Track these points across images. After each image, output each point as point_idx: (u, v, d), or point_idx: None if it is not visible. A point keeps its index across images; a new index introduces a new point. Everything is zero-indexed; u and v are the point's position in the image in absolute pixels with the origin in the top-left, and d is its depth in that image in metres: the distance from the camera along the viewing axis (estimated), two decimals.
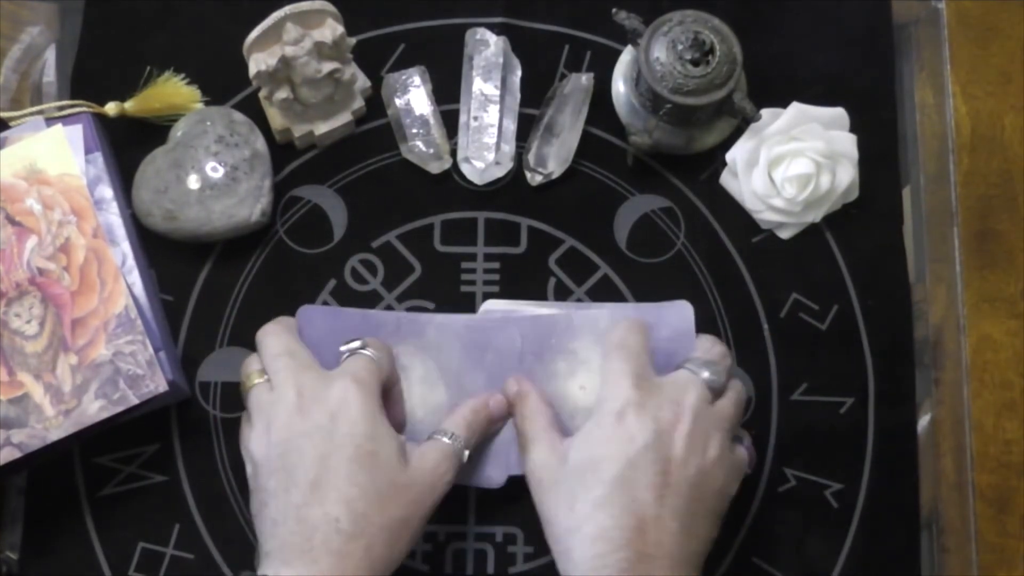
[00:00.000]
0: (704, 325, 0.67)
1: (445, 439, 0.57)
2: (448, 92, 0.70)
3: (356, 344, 0.58)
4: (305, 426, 0.54)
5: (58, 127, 0.64)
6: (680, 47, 0.64)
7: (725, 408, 0.57)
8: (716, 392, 0.57)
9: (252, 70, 0.64)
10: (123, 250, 0.64)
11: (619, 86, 0.70)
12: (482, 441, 0.61)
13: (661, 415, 0.54)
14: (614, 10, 0.66)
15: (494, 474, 0.61)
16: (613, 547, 0.51)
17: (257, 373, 0.58)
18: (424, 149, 0.68)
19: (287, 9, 0.63)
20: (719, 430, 0.55)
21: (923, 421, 0.66)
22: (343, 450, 0.53)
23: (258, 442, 0.55)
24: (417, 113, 0.69)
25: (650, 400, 0.54)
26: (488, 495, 0.63)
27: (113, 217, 0.64)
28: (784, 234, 0.69)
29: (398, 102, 0.69)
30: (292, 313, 0.66)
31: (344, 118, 0.69)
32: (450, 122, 0.70)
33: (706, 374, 0.56)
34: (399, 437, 0.55)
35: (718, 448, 0.55)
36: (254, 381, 0.57)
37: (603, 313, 0.62)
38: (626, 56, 0.70)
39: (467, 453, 0.58)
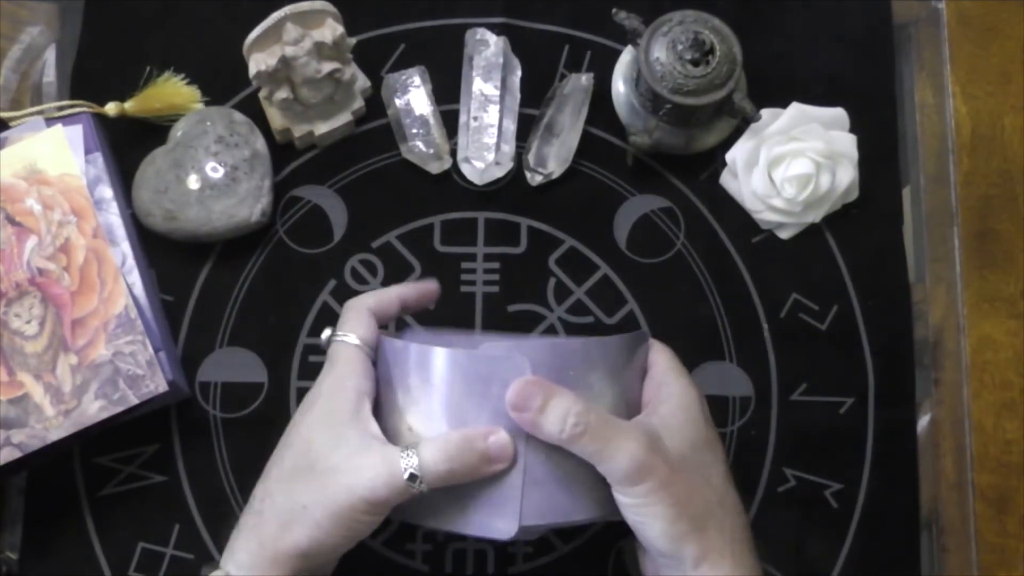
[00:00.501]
0: (704, 325, 0.67)
1: (402, 453, 0.49)
2: (448, 92, 0.70)
3: (327, 332, 0.56)
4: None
5: (58, 127, 0.64)
6: (680, 47, 0.64)
7: None
8: None
9: (252, 70, 0.64)
10: (123, 250, 0.64)
11: (619, 86, 0.70)
12: (488, 486, 0.51)
13: None
14: (614, 10, 0.66)
15: (502, 525, 0.50)
16: (742, 512, 0.52)
17: None
18: (424, 149, 0.68)
19: (287, 9, 0.63)
20: None
21: (923, 421, 0.66)
22: (284, 438, 0.54)
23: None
24: (417, 113, 0.69)
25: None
26: None
27: (113, 217, 0.64)
28: (784, 234, 0.69)
29: (398, 102, 0.69)
30: (291, 314, 0.67)
31: (344, 118, 0.69)
32: (450, 122, 0.70)
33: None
34: (354, 429, 0.51)
35: None
36: None
37: (615, 340, 0.53)
38: (626, 56, 0.70)
39: (423, 486, 0.49)
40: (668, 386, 0.53)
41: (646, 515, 0.49)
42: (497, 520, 0.51)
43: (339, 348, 0.54)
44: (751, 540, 0.52)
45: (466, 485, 0.50)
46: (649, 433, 0.50)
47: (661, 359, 0.55)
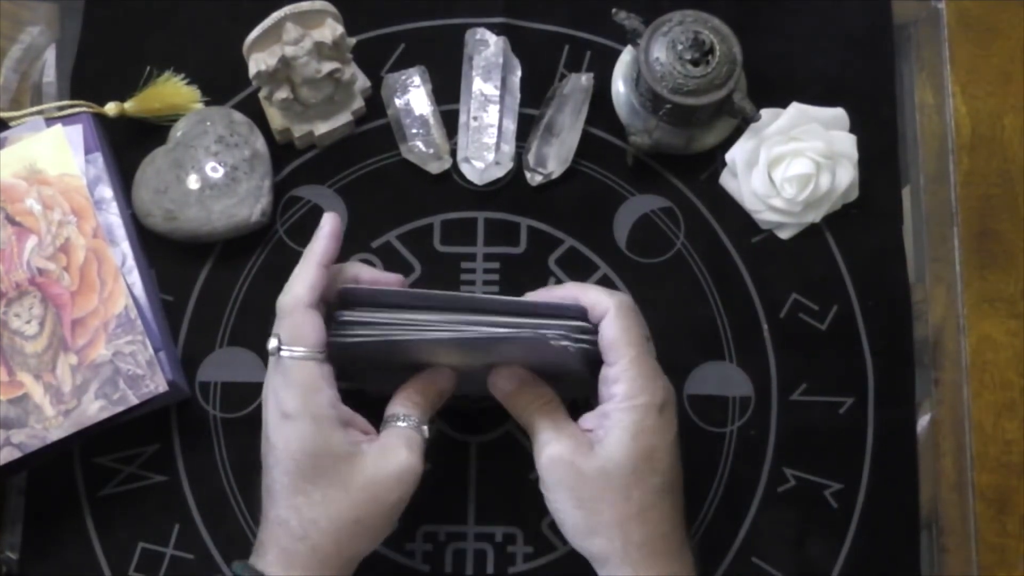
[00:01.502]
0: (704, 325, 0.67)
1: (400, 423, 0.54)
2: (448, 92, 0.70)
3: (273, 345, 0.53)
4: (262, 432, 0.54)
5: (58, 127, 0.64)
6: (680, 47, 0.64)
7: None
8: None
9: (252, 70, 0.64)
10: (123, 250, 0.64)
11: (619, 86, 0.70)
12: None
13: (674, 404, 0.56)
14: (614, 10, 0.66)
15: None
16: (674, 527, 0.53)
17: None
18: (424, 149, 0.68)
19: (287, 9, 0.63)
20: None
21: (923, 421, 0.66)
22: (283, 464, 0.52)
23: None
24: (417, 113, 0.69)
25: (671, 392, 0.55)
26: (488, 495, 0.63)
27: (113, 217, 0.64)
28: (784, 234, 0.69)
29: (398, 102, 0.69)
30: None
31: (344, 118, 0.69)
32: (450, 122, 0.70)
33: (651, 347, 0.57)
34: (350, 439, 0.53)
35: None
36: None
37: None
38: (626, 56, 0.70)
39: (426, 429, 0.55)
40: (620, 400, 0.54)
41: (555, 508, 0.54)
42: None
43: (292, 365, 0.53)
44: (678, 549, 0.53)
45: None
46: (576, 446, 0.53)
47: (623, 356, 0.54)
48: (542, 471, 0.54)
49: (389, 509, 0.53)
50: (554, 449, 0.53)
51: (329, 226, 0.57)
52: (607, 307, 0.54)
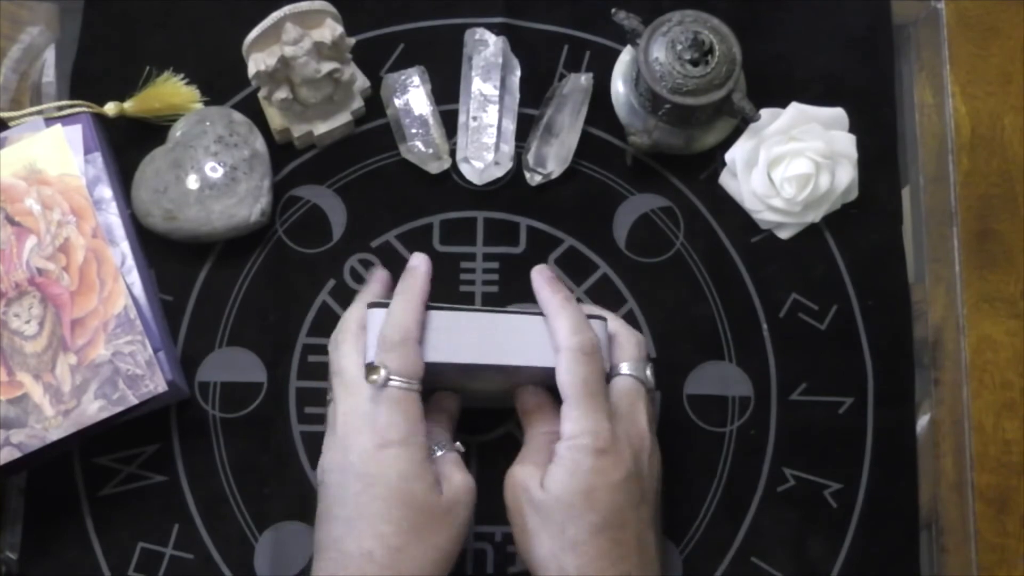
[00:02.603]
0: (703, 325, 0.67)
1: (438, 452, 0.56)
2: (447, 92, 0.70)
3: (382, 375, 0.53)
4: (342, 460, 0.54)
5: (58, 127, 0.64)
6: (679, 47, 0.64)
7: (654, 406, 0.60)
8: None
9: (251, 70, 0.64)
10: (123, 250, 0.64)
11: (618, 86, 0.70)
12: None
13: (632, 441, 0.55)
14: (613, 10, 0.66)
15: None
16: (612, 562, 0.53)
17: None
18: (423, 149, 0.68)
19: (287, 9, 0.63)
20: (655, 430, 0.58)
21: (923, 421, 0.66)
22: (375, 489, 0.52)
23: (321, 457, 0.56)
24: (416, 113, 0.69)
25: (619, 426, 0.55)
26: (488, 495, 0.63)
27: (112, 217, 0.64)
28: (783, 234, 0.69)
29: (397, 102, 0.69)
30: (291, 314, 0.67)
31: (343, 118, 0.69)
32: (449, 122, 0.70)
33: (648, 377, 0.57)
34: (433, 468, 0.54)
35: (657, 448, 0.57)
36: (328, 395, 0.58)
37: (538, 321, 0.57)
38: (625, 56, 0.70)
39: (459, 444, 0.58)
40: (565, 438, 0.54)
41: (511, 527, 0.56)
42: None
43: (401, 397, 0.53)
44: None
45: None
46: (533, 474, 0.55)
47: (568, 396, 0.54)
48: (505, 495, 0.56)
49: (463, 531, 0.55)
50: (515, 470, 0.56)
51: (426, 265, 0.58)
52: (561, 346, 0.55)
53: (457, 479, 0.55)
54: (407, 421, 0.53)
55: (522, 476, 0.55)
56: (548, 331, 0.56)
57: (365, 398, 0.53)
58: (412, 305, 0.55)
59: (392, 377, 0.53)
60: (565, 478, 0.53)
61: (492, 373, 0.57)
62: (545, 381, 0.57)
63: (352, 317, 0.57)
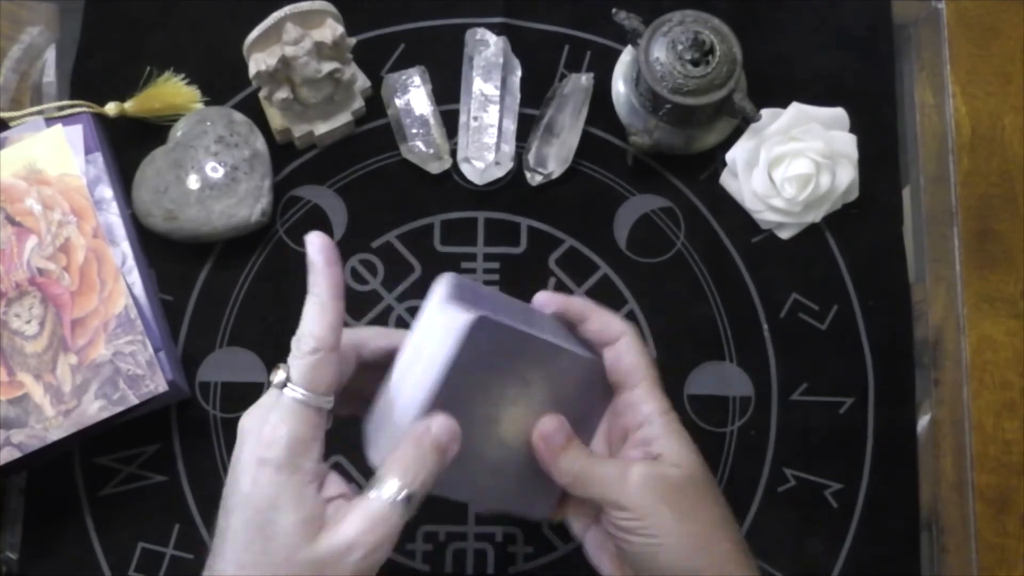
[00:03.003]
0: (704, 325, 0.67)
1: (372, 493, 0.45)
2: (448, 92, 0.70)
3: (279, 377, 0.46)
4: (231, 468, 0.47)
5: (58, 127, 0.64)
6: (680, 47, 0.64)
7: None
8: None
9: (252, 70, 0.64)
10: (123, 250, 0.64)
11: (619, 86, 0.70)
12: (523, 470, 0.51)
13: None
14: (614, 10, 0.66)
15: (542, 503, 0.53)
16: (739, 528, 0.52)
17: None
18: (424, 149, 0.68)
19: (287, 9, 0.63)
20: None
21: (923, 421, 0.66)
22: (240, 511, 0.46)
23: None
24: (417, 113, 0.69)
25: None
26: None
27: (113, 217, 0.64)
28: (784, 234, 0.69)
29: (398, 102, 0.69)
30: (291, 314, 0.66)
31: (344, 118, 0.69)
32: (450, 122, 0.70)
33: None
34: (315, 502, 0.45)
35: None
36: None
37: (568, 353, 0.52)
38: (626, 56, 0.70)
39: (413, 499, 0.46)
40: (658, 415, 0.52)
41: (654, 534, 0.49)
42: (538, 497, 0.52)
43: (292, 408, 0.46)
44: (748, 550, 0.53)
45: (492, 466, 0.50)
46: (655, 464, 0.50)
47: (640, 379, 0.53)
48: (636, 497, 0.49)
49: None
50: (643, 469, 0.50)
51: (323, 253, 0.47)
52: (621, 331, 0.53)
53: (348, 531, 0.44)
54: (291, 439, 0.45)
55: (652, 469, 0.50)
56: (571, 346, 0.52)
57: (264, 403, 0.47)
58: (322, 305, 0.46)
59: (290, 384, 0.46)
60: (689, 446, 0.52)
61: (518, 387, 0.50)
62: (572, 394, 0.52)
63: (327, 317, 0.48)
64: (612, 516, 0.50)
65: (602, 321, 0.53)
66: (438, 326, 0.47)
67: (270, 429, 0.45)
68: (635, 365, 0.52)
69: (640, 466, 0.50)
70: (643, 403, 0.52)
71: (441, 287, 0.48)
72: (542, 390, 0.51)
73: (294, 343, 0.47)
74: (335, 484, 0.47)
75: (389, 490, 0.45)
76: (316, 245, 0.47)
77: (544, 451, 0.51)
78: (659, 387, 0.53)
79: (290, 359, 0.46)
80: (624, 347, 0.53)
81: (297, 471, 0.45)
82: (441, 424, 0.47)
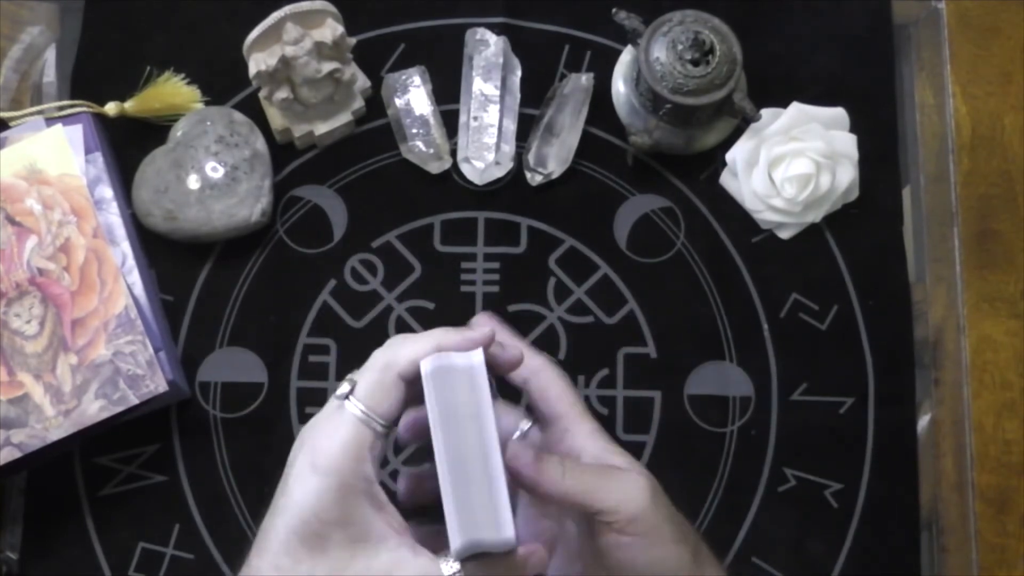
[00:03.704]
0: (704, 325, 0.67)
1: (443, 566, 0.45)
2: (448, 92, 0.70)
3: (345, 389, 0.47)
4: (285, 472, 0.47)
5: (58, 127, 0.64)
6: (680, 47, 0.64)
7: None
8: None
9: (252, 70, 0.64)
10: (123, 250, 0.64)
11: (619, 86, 0.70)
12: None
13: None
14: (614, 10, 0.66)
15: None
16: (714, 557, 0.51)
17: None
18: (424, 149, 0.68)
19: (287, 9, 0.63)
20: None
21: (923, 421, 0.66)
22: (290, 518, 0.45)
23: None
24: (417, 113, 0.69)
25: None
26: None
27: (113, 217, 0.64)
28: (784, 234, 0.69)
29: (398, 102, 0.69)
30: (292, 314, 0.67)
31: (344, 118, 0.69)
32: (450, 122, 0.70)
33: None
34: (371, 522, 0.45)
35: None
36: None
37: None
38: (626, 56, 0.70)
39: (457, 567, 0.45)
40: (606, 446, 0.51)
41: (654, 553, 0.48)
42: None
43: (348, 421, 0.46)
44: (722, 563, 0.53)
45: None
46: (657, 492, 0.49)
47: (568, 407, 0.51)
48: (634, 502, 0.48)
49: None
50: (633, 474, 0.49)
51: (482, 338, 0.48)
52: (536, 368, 0.51)
53: (418, 568, 0.44)
54: (345, 452, 0.45)
55: (632, 472, 0.49)
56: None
57: (325, 414, 0.47)
58: (425, 343, 0.47)
59: (352, 397, 0.46)
60: (633, 459, 0.51)
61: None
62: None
63: (414, 345, 0.47)
64: (604, 519, 0.48)
65: (508, 357, 0.50)
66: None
67: (325, 438, 0.46)
68: (561, 397, 0.51)
69: (627, 472, 0.49)
70: (585, 434, 0.51)
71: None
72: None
73: (374, 353, 0.47)
74: (386, 509, 0.46)
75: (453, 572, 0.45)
76: (485, 321, 0.51)
77: (522, 468, 0.48)
78: (583, 407, 0.51)
79: (359, 372, 0.47)
80: (549, 379, 0.51)
81: (345, 485, 0.45)
82: (539, 559, 0.47)
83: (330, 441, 0.46)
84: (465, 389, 0.46)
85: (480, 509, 0.45)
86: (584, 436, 0.51)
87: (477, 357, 0.47)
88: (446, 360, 0.46)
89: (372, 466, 0.46)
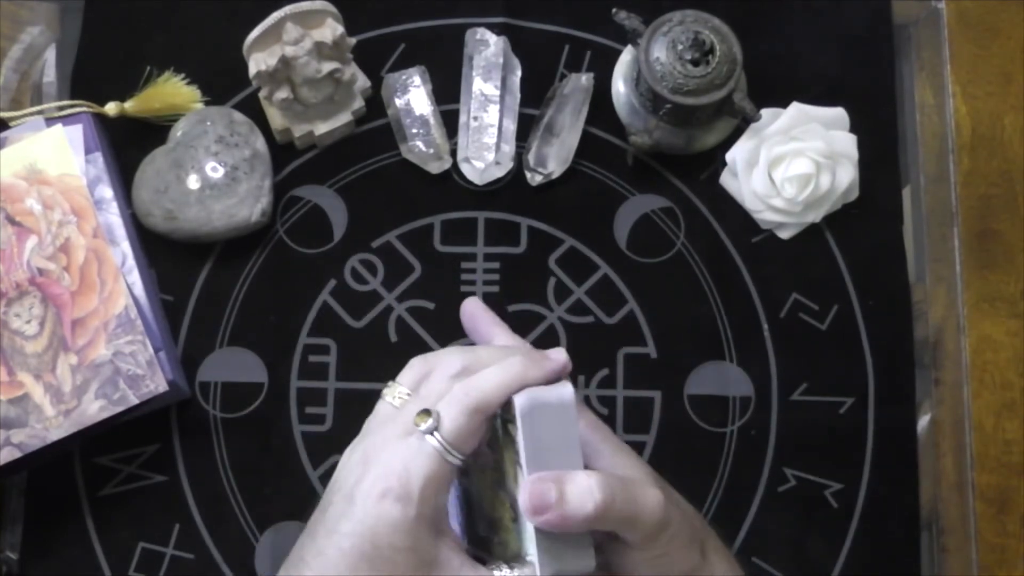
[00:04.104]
0: (704, 325, 0.67)
1: (504, 571, 0.46)
2: (448, 92, 0.70)
3: (429, 424, 0.45)
4: (347, 488, 0.46)
5: (58, 127, 0.64)
6: (680, 47, 0.64)
7: None
8: None
9: (252, 70, 0.64)
10: (123, 250, 0.64)
11: (619, 86, 0.70)
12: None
13: None
14: (614, 10, 0.66)
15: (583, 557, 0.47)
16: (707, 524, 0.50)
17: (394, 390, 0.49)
18: (424, 149, 0.68)
19: (287, 9, 0.63)
20: None
21: (923, 421, 0.66)
22: (354, 538, 0.45)
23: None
24: (417, 113, 0.69)
25: None
26: None
27: (113, 217, 0.64)
28: (784, 234, 0.69)
29: (398, 102, 0.69)
30: (292, 314, 0.67)
31: (344, 118, 0.69)
32: (450, 122, 0.70)
33: None
34: (434, 551, 0.45)
35: None
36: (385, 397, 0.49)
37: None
38: (626, 56, 0.70)
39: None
40: (590, 431, 0.50)
41: (664, 563, 0.47)
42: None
43: (431, 454, 0.45)
44: (730, 552, 0.52)
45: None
46: (649, 479, 0.48)
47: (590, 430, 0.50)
48: (653, 535, 0.46)
49: None
50: (658, 490, 0.46)
51: (560, 368, 0.48)
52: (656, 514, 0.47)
53: None
54: (426, 483, 0.44)
55: (661, 497, 0.46)
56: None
57: (397, 434, 0.46)
58: (515, 380, 0.46)
59: (437, 433, 0.45)
60: (641, 462, 0.50)
61: None
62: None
63: (500, 383, 0.46)
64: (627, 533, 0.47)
65: (636, 509, 0.47)
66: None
67: (402, 467, 0.45)
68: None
69: (655, 495, 0.46)
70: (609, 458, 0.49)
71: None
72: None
73: (459, 387, 0.46)
74: (450, 539, 0.46)
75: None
76: (562, 356, 0.48)
77: (537, 507, 0.45)
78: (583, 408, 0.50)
79: (444, 404, 0.45)
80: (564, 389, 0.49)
81: (423, 516, 0.45)
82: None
83: (410, 472, 0.45)
84: (556, 423, 0.46)
85: (564, 539, 0.45)
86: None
87: (568, 392, 0.46)
88: (540, 397, 0.46)
89: (446, 496, 0.46)
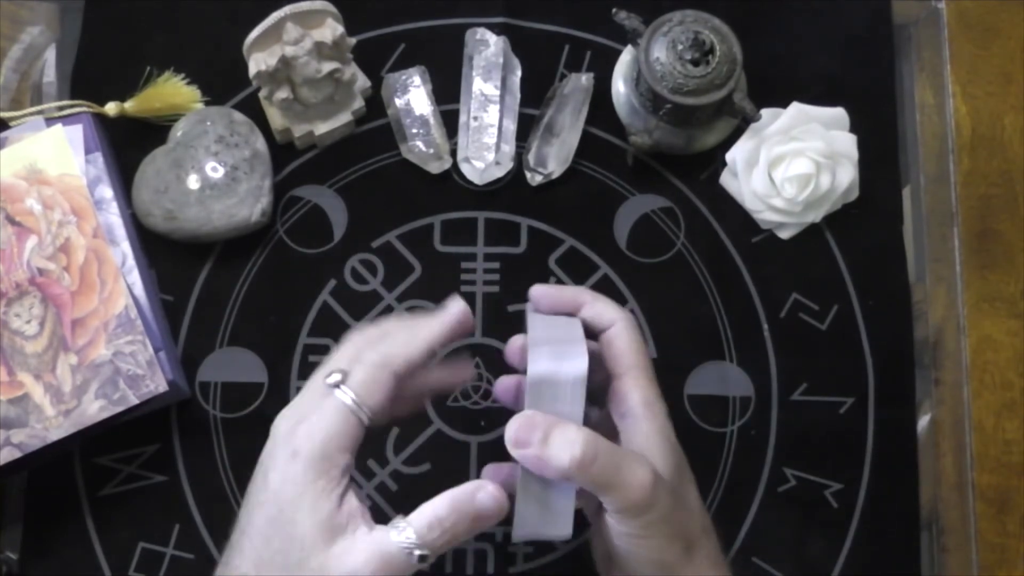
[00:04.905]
0: (704, 325, 0.67)
1: (394, 535, 0.45)
2: (448, 92, 0.70)
3: (336, 378, 0.47)
4: (262, 462, 0.47)
5: (58, 127, 0.64)
6: (680, 47, 0.64)
7: None
8: None
9: (252, 70, 0.64)
10: (123, 250, 0.64)
11: (619, 86, 0.70)
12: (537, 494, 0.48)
13: None
14: (614, 10, 0.66)
15: (560, 522, 0.49)
16: (715, 533, 0.50)
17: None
18: (424, 149, 0.68)
19: (287, 9, 0.63)
20: None
21: (923, 421, 0.66)
22: (266, 507, 0.45)
23: None
24: (417, 113, 0.69)
25: None
26: None
27: (113, 217, 0.64)
28: (784, 234, 0.69)
29: (398, 102, 0.69)
30: (292, 314, 0.67)
31: (344, 118, 0.69)
32: (450, 122, 0.70)
33: None
34: (335, 509, 0.45)
35: None
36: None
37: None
38: (626, 56, 0.70)
39: (424, 557, 0.45)
40: (640, 407, 0.50)
41: (641, 545, 0.48)
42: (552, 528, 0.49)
43: (337, 408, 0.46)
44: (726, 561, 0.52)
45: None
46: (649, 462, 0.48)
47: (628, 367, 0.51)
48: (631, 513, 0.47)
49: None
50: (651, 471, 0.47)
51: (459, 316, 0.50)
52: (613, 319, 0.52)
53: (356, 562, 0.44)
54: (328, 439, 0.45)
55: (652, 471, 0.47)
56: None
57: (309, 399, 0.47)
58: (416, 345, 0.49)
59: (343, 386, 0.47)
60: (664, 449, 0.49)
61: None
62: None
63: (408, 348, 0.49)
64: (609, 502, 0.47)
65: (595, 310, 0.52)
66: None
67: (307, 426, 0.46)
68: (622, 352, 0.51)
69: (648, 468, 0.47)
70: (629, 392, 0.50)
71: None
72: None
73: (368, 348, 0.48)
74: (353, 496, 0.46)
75: (405, 540, 0.45)
76: (458, 306, 0.51)
77: (518, 440, 0.47)
78: (647, 375, 0.51)
79: (355, 363, 0.48)
80: (614, 335, 0.52)
81: (325, 473, 0.45)
82: (490, 496, 0.47)
83: (314, 427, 0.46)
84: (566, 400, 0.47)
85: (545, 503, 0.48)
86: (629, 404, 0.50)
87: (581, 367, 0.47)
88: (551, 373, 0.47)
89: (349, 457, 0.47)
